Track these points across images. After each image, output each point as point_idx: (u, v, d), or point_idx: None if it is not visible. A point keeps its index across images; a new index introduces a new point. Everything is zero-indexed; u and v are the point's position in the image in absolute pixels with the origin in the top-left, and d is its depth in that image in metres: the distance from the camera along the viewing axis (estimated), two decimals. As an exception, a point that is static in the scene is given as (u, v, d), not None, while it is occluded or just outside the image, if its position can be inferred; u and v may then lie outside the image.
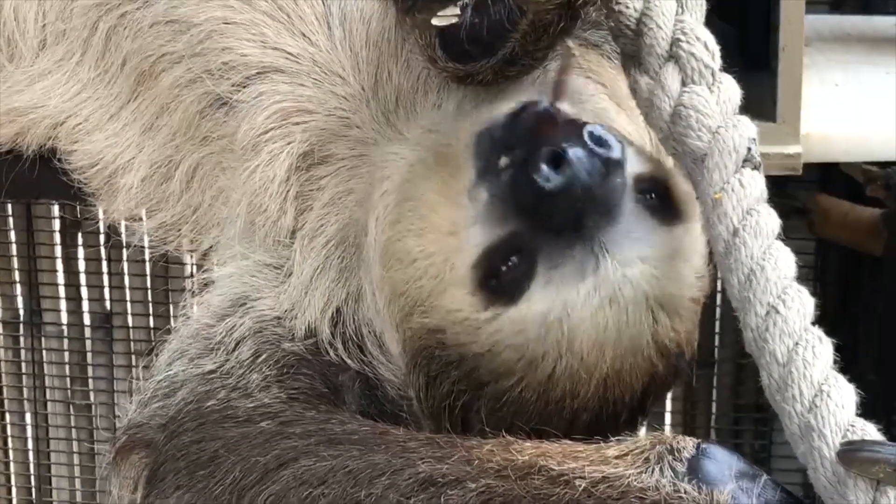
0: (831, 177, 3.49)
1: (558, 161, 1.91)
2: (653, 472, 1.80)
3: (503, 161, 1.99)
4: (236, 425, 2.06)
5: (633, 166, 2.04)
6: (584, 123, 1.97)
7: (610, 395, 2.03)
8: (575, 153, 1.92)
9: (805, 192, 3.47)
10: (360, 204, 2.23)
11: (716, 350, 3.79)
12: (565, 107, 2.06)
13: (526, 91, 2.13)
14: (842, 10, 3.64)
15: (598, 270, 1.95)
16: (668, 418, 3.78)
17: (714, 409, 3.87)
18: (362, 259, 2.21)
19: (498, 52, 2.06)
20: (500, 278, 1.99)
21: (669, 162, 2.25)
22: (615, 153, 1.95)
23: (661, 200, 2.05)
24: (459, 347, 2.05)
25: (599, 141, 1.95)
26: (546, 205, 1.93)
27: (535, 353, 1.99)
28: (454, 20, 1.97)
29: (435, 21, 1.96)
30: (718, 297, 3.60)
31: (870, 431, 1.67)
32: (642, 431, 2.16)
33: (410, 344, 2.13)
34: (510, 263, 1.99)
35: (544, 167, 1.91)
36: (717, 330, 3.75)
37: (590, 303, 1.96)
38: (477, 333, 2.02)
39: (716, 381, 3.85)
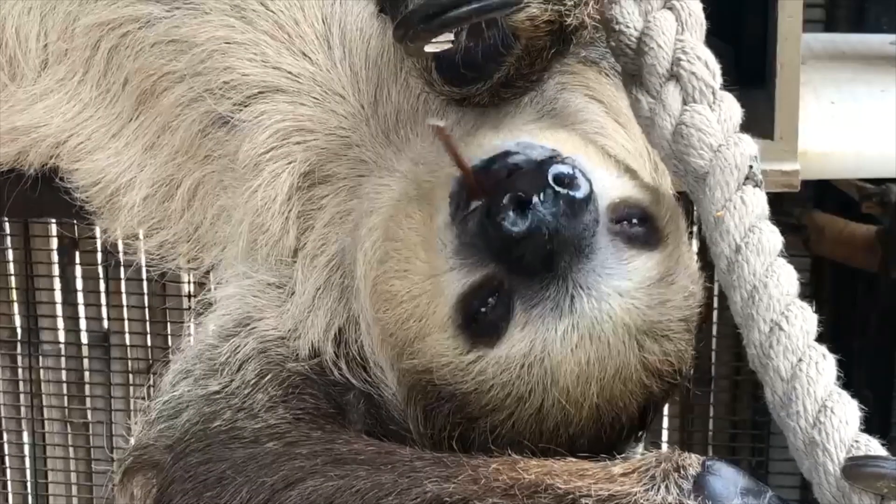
0: (826, 194, 3.51)
1: (523, 205, 1.90)
2: (659, 489, 1.80)
3: (472, 205, 1.99)
4: (243, 446, 2.06)
5: (608, 196, 2.03)
6: (551, 162, 1.94)
7: (605, 419, 2.03)
8: (539, 196, 1.89)
9: (800, 209, 3.49)
10: (352, 233, 2.23)
11: (712, 367, 3.80)
12: (543, 142, 2.05)
13: (507, 132, 2.13)
14: (835, 27, 3.66)
15: (574, 308, 1.95)
16: (664, 434, 3.79)
17: (711, 426, 3.89)
18: (356, 290, 2.22)
19: (493, 76, 2.07)
20: (480, 321, 2.00)
21: (667, 180, 2.28)
22: (581, 192, 1.92)
23: (641, 225, 2.05)
24: (448, 386, 2.05)
25: (565, 180, 1.92)
26: (515, 249, 1.92)
27: (520, 391, 2.00)
28: (448, 46, 1.98)
29: (429, 48, 1.97)
30: (715, 313, 3.62)
31: (874, 447, 1.68)
32: (640, 447, 2.16)
33: (404, 381, 2.14)
34: (488, 306, 1.99)
35: (510, 213, 1.90)
36: (713, 347, 3.77)
37: (569, 340, 1.96)
38: (462, 374, 2.03)
39: (713, 398, 3.87)
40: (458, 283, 2.01)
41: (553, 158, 1.97)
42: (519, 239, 1.90)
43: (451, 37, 1.96)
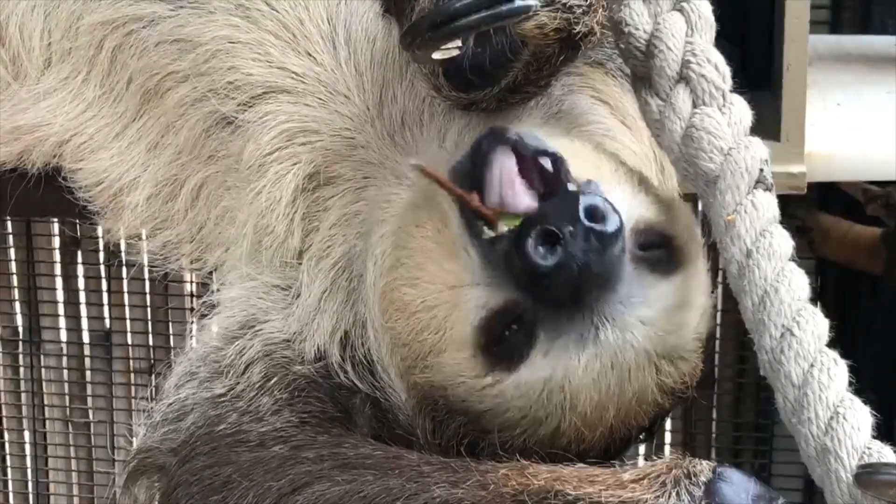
0: (830, 196, 3.50)
1: (552, 238, 1.87)
2: (669, 496, 1.79)
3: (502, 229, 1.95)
4: (248, 450, 2.05)
5: (631, 219, 2.01)
6: (579, 195, 1.91)
7: (616, 435, 2.04)
8: (569, 230, 1.87)
9: (805, 211, 3.48)
10: (363, 237, 2.22)
11: (716, 370, 3.79)
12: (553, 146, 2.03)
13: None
14: (841, 29, 3.65)
15: (598, 339, 1.94)
16: (668, 438, 3.78)
17: (714, 429, 3.88)
18: (364, 297, 2.21)
19: (501, 81, 2.06)
20: (501, 345, 1.99)
21: (674, 181, 2.26)
22: (611, 226, 1.89)
23: (661, 247, 2.04)
24: (462, 403, 2.05)
25: (597, 214, 1.89)
26: (543, 282, 1.90)
27: (538, 415, 1.99)
28: (455, 52, 1.97)
29: (436, 55, 1.96)
30: (719, 316, 3.61)
31: (886, 454, 1.67)
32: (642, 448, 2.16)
33: (414, 392, 2.13)
34: (511, 330, 1.98)
35: (539, 247, 1.87)
36: (716, 350, 3.76)
37: (591, 369, 1.95)
38: (479, 395, 2.03)
39: (716, 401, 3.86)
40: (482, 301, 2.00)
41: (585, 191, 1.94)
42: (547, 273, 1.88)
43: (458, 43, 1.95)
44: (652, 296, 1.99)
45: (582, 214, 1.87)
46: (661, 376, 2.00)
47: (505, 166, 1.96)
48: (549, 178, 1.97)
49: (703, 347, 2.09)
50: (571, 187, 1.96)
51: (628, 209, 2.01)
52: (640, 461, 2.02)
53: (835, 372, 1.73)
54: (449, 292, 2.02)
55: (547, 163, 1.98)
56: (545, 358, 1.96)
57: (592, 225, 1.87)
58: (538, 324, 1.96)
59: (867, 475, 1.65)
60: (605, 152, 2.16)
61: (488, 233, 1.96)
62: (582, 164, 2.04)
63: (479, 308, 2.00)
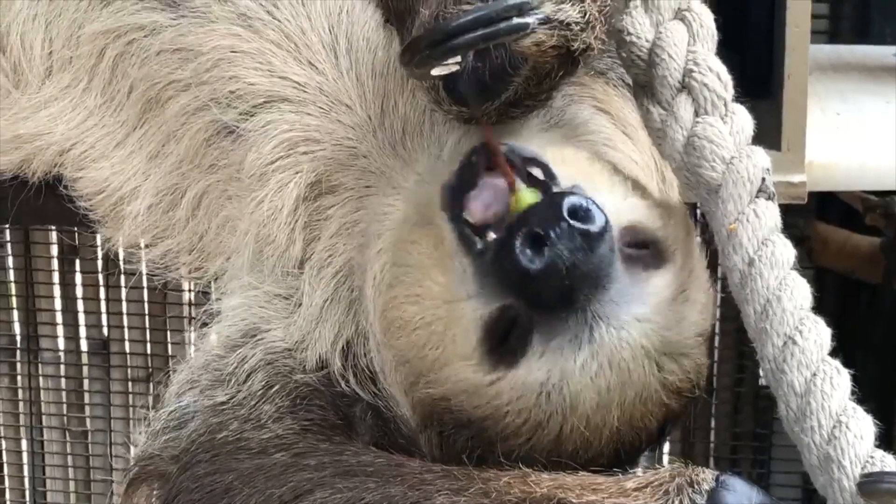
0: (829, 205, 3.50)
1: (538, 241, 1.88)
2: (672, 504, 1.79)
3: (488, 236, 1.98)
4: (250, 457, 2.05)
5: (620, 221, 2.01)
6: (564, 196, 1.93)
7: (625, 439, 2.03)
8: (554, 231, 1.88)
9: (803, 221, 3.48)
10: (361, 250, 2.22)
11: (714, 378, 3.79)
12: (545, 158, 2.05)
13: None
14: (840, 39, 3.66)
15: (593, 339, 1.94)
16: (666, 447, 3.77)
17: (713, 437, 3.87)
18: (365, 310, 2.21)
19: (501, 95, 2.05)
20: (500, 350, 1.99)
21: (675, 191, 2.27)
22: (597, 224, 1.90)
23: (653, 248, 2.05)
24: (465, 412, 2.05)
25: (580, 213, 1.90)
26: (533, 285, 1.91)
27: (538, 418, 1.99)
28: (455, 68, 1.97)
29: (435, 72, 1.96)
30: (717, 324, 3.61)
31: (889, 463, 1.67)
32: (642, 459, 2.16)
33: (420, 409, 2.13)
34: (508, 336, 1.98)
35: (527, 250, 1.88)
36: (715, 358, 3.75)
37: (588, 369, 1.95)
38: (480, 399, 2.02)
39: (714, 410, 3.86)
40: (476, 311, 2.00)
41: (566, 192, 1.95)
42: (536, 275, 1.89)
43: (457, 59, 1.95)
44: (645, 292, 1.99)
45: (566, 214, 1.89)
46: (663, 374, 1.99)
47: (491, 183, 2.00)
48: (540, 186, 1.99)
49: (706, 344, 2.09)
50: (556, 190, 1.97)
51: (617, 209, 2.02)
52: (640, 470, 2.01)
53: (837, 381, 1.73)
54: (446, 307, 2.03)
55: (537, 171, 2.01)
56: (540, 359, 1.96)
57: (577, 224, 1.88)
58: (533, 326, 1.96)
59: (870, 484, 1.65)
60: (601, 159, 2.16)
61: (479, 242, 1.98)
62: (570, 169, 2.05)
63: (476, 319, 2.00)
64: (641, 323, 1.97)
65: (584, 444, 2.00)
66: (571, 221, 1.88)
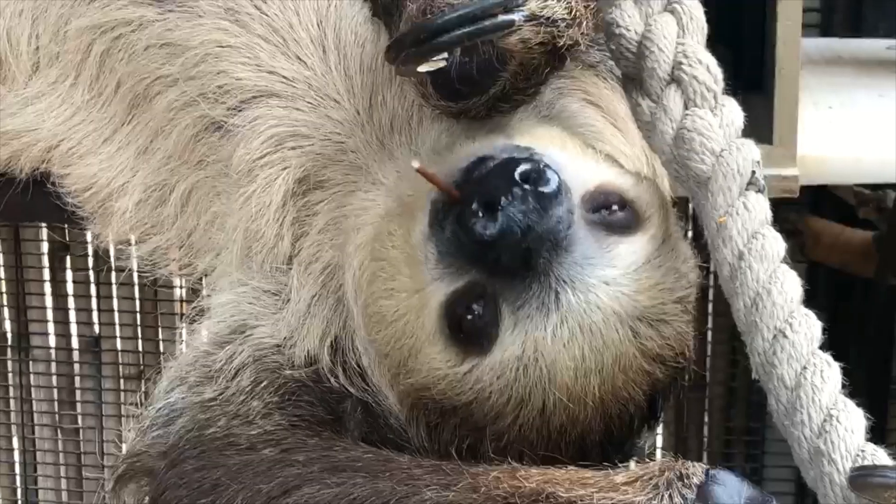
0: (822, 199, 3.50)
1: (492, 208, 1.88)
2: (662, 498, 1.77)
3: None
4: (238, 453, 2.04)
5: (584, 185, 2.01)
6: (517, 162, 1.93)
7: (612, 411, 2.01)
8: (506, 196, 1.88)
9: (796, 215, 3.48)
10: (340, 249, 2.22)
11: (707, 373, 3.79)
12: (518, 141, 2.05)
13: (484, 136, 2.12)
14: (832, 32, 3.65)
15: (560, 303, 1.93)
16: (659, 441, 3.77)
17: (706, 432, 3.88)
18: (349, 311, 2.20)
19: (489, 90, 2.05)
20: (467, 329, 1.98)
21: (666, 184, 2.26)
22: (549, 186, 1.91)
23: (621, 210, 2.03)
24: (449, 400, 2.03)
25: (532, 176, 1.90)
26: (491, 252, 1.91)
27: (520, 394, 1.97)
28: (442, 64, 1.96)
29: (422, 68, 1.95)
30: (710, 319, 3.62)
31: (880, 456, 1.66)
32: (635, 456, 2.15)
33: (406, 401, 2.12)
34: (475, 313, 1.97)
35: (480, 217, 1.88)
36: (708, 353, 3.76)
37: (560, 336, 1.94)
38: (460, 386, 2.01)
39: (707, 404, 3.86)
40: (441, 292, 2.00)
41: (519, 158, 1.95)
42: (492, 241, 1.88)
43: (444, 55, 1.94)
44: (612, 255, 1.97)
45: (517, 177, 1.89)
46: (640, 340, 1.97)
47: None
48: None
49: (690, 314, 2.07)
50: (522, 154, 1.98)
51: (583, 176, 2.02)
52: (632, 464, 2.00)
53: (828, 374, 1.72)
54: (415, 297, 2.03)
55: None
56: (513, 333, 1.95)
57: (528, 186, 1.89)
58: (499, 298, 1.95)
59: (861, 478, 1.64)
60: (582, 140, 2.17)
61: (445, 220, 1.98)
62: (532, 140, 2.05)
63: (440, 299, 2.00)
64: (610, 286, 1.95)
65: (570, 418, 1.98)
66: (523, 185, 1.89)
